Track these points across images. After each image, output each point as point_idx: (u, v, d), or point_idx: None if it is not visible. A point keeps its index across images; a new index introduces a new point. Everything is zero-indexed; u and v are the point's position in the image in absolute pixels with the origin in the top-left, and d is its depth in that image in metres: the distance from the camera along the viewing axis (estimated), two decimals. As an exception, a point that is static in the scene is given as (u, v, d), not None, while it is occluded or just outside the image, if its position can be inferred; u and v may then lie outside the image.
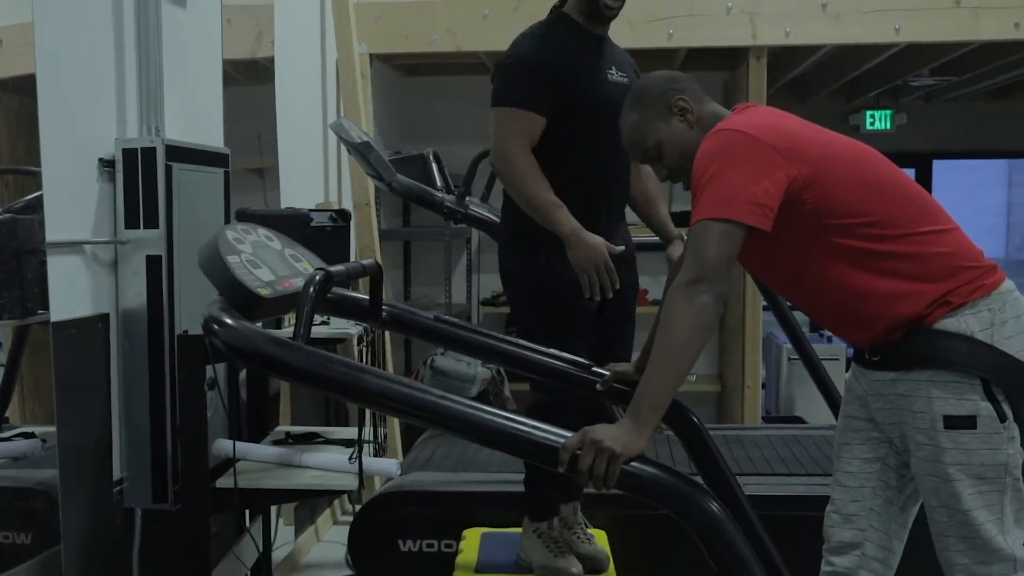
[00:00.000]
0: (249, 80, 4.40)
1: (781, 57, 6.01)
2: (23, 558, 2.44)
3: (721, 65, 6.30)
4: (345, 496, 4.93)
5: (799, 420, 5.68)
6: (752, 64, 5.23)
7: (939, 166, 8.21)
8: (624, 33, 5.06)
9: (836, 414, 4.19)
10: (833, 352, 5.94)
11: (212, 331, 1.82)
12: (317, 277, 1.91)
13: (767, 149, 1.97)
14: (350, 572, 4.01)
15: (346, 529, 4.44)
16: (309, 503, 4.43)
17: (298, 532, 4.29)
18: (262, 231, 2.21)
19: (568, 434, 1.82)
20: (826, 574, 2.24)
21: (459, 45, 5.17)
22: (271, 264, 2.08)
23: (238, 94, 4.02)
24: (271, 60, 4.35)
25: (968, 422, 1.97)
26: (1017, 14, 4.89)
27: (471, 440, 1.82)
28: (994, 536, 2.00)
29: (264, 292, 1.92)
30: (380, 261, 2.33)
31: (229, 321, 1.82)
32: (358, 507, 4.34)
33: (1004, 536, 2.00)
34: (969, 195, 10.88)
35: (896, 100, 7.39)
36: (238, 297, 1.88)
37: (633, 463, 1.81)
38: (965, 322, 1.99)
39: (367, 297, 2.44)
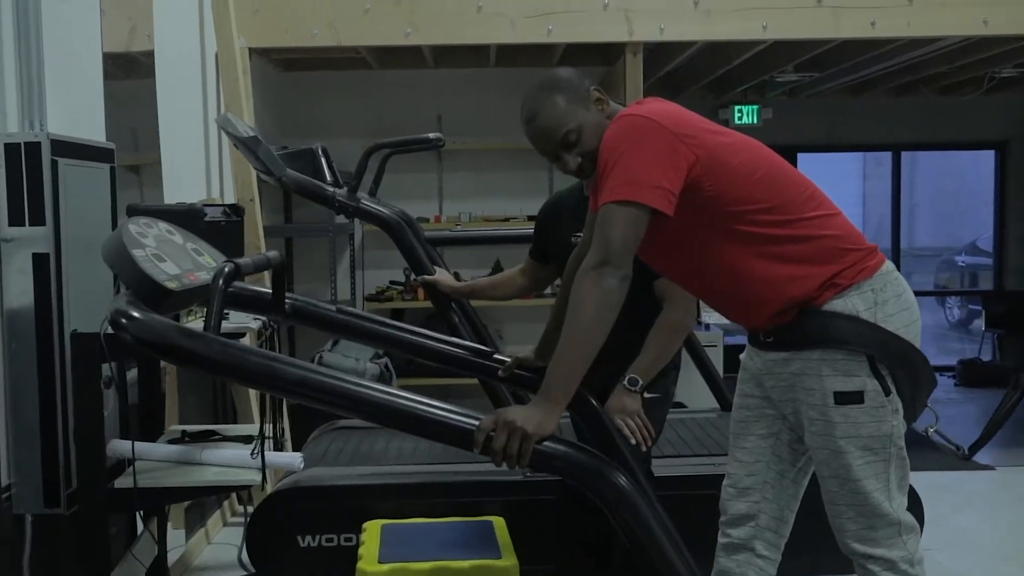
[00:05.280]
0: (124, 74, 4.29)
1: (655, 53, 6.18)
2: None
3: (598, 60, 6.44)
4: (235, 498, 4.87)
5: (681, 405, 5.86)
6: (629, 59, 5.37)
7: (802, 159, 8.57)
8: (504, 29, 5.15)
9: (718, 397, 4.41)
10: (711, 339, 6.14)
11: (121, 325, 1.79)
12: (226, 269, 1.90)
13: (669, 135, 2.05)
14: (244, 573, 3.97)
15: (236, 531, 4.39)
16: (199, 506, 4.36)
17: (188, 535, 4.21)
18: (163, 225, 2.18)
19: (481, 416, 1.87)
20: (722, 545, 2.34)
21: (340, 40, 5.14)
22: (175, 258, 2.06)
23: (113, 88, 3.92)
24: (147, 54, 4.26)
25: (856, 397, 2.09)
26: (873, 13, 5.15)
27: (389, 426, 1.85)
28: (881, 503, 2.13)
29: (171, 285, 1.91)
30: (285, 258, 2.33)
31: (138, 315, 1.80)
32: (250, 508, 4.30)
33: (890, 502, 2.14)
34: (830, 187, 11.33)
35: (763, 95, 7.69)
36: (146, 290, 1.86)
37: (545, 442, 1.87)
38: (852, 303, 2.11)
39: (268, 290, 2.44)
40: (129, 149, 4.28)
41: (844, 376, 2.09)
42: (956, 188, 14.98)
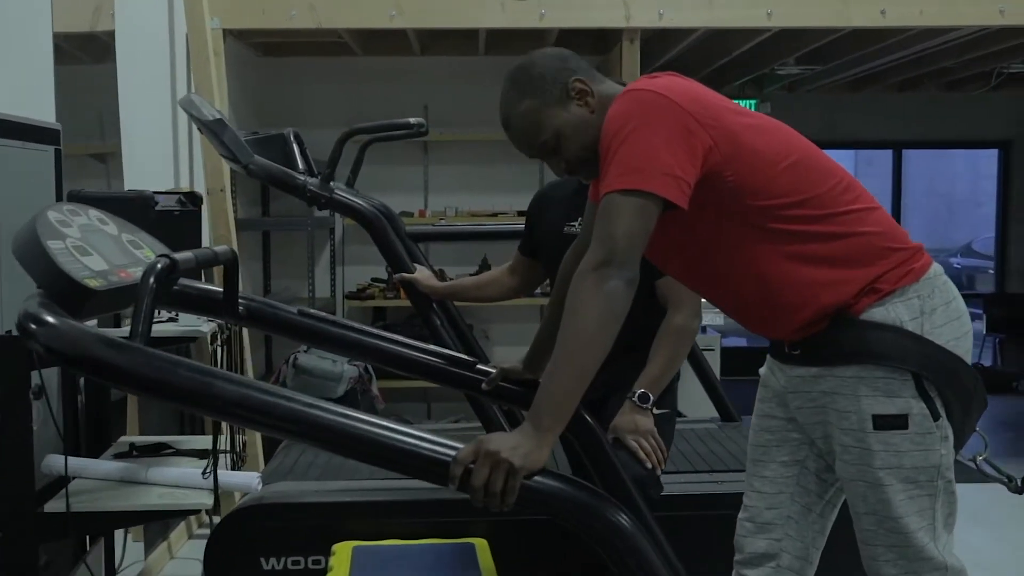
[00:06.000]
0: (88, 57, 4.01)
1: (651, 41, 5.90)
2: None
3: (593, 48, 6.16)
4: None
5: (678, 414, 5.59)
6: (625, 47, 5.09)
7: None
8: (495, 12, 4.86)
9: (718, 406, 4.13)
10: (708, 342, 5.86)
11: (29, 331, 1.49)
12: (159, 265, 1.61)
13: (683, 114, 1.76)
14: (207, 592, 3.68)
15: (203, 544, 4.10)
16: (160, 517, 4.07)
17: (148, 549, 3.92)
18: (93, 213, 1.88)
19: (459, 445, 1.58)
20: (737, 587, 2.06)
21: (320, 22, 4.84)
22: (104, 251, 1.76)
23: (76, 72, 3.63)
24: (111, 34, 3.96)
25: (899, 422, 1.80)
26: (884, 2, 4.88)
27: (346, 455, 1.56)
28: (925, 544, 1.84)
29: (94, 284, 1.61)
30: (236, 252, 2.05)
31: (50, 319, 1.50)
32: (216, 519, 4.01)
33: (935, 543, 1.85)
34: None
35: (761, 90, 7.42)
36: (62, 289, 1.56)
37: (535, 476, 1.58)
38: (894, 311, 1.82)
39: (221, 289, 2.14)
40: (95, 136, 3.99)
41: (885, 397, 1.80)
42: (947, 189, 14.79)
